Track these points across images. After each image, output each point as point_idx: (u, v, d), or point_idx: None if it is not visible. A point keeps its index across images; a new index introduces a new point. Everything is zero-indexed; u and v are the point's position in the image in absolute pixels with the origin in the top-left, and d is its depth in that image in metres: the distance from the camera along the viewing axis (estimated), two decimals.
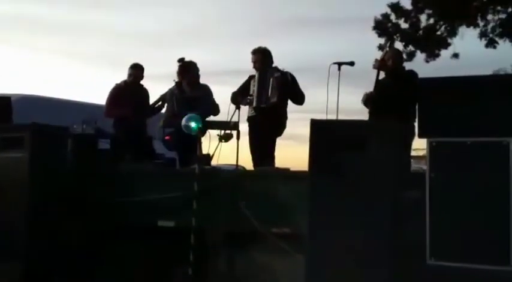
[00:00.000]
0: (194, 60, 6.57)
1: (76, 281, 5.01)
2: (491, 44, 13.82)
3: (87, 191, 5.31)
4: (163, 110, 6.71)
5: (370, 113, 5.65)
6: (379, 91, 5.64)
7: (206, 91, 6.53)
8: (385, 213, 3.79)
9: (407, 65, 7.12)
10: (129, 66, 6.83)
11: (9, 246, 4.91)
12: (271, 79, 6.00)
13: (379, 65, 5.70)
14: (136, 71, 6.81)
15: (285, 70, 6.11)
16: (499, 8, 13.67)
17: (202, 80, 6.59)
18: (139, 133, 6.67)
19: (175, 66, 6.54)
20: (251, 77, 6.28)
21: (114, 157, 6.29)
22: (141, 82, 6.89)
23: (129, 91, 6.75)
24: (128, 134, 6.55)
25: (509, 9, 13.64)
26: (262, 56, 6.22)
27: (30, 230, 4.94)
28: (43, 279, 4.92)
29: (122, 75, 6.92)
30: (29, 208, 4.96)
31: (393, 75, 5.74)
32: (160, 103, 6.71)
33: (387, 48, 6.28)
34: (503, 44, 13.70)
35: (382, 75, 5.78)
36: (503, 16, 13.74)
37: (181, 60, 6.52)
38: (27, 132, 5.06)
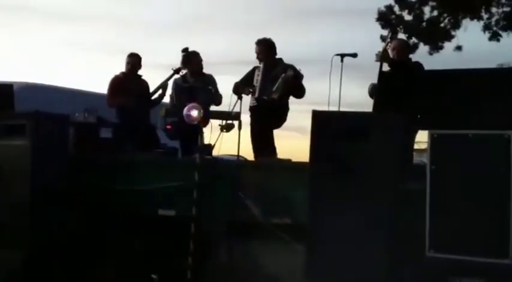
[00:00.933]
0: (199, 50, 6.57)
1: (76, 268, 5.02)
2: (495, 37, 13.72)
3: (88, 179, 5.32)
4: (165, 99, 6.71)
5: (375, 105, 5.61)
6: (383, 83, 5.59)
7: (209, 81, 6.52)
8: (385, 204, 3.80)
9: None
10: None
11: (11, 234, 4.93)
12: (282, 75, 5.95)
13: (381, 56, 5.65)
14: (133, 59, 6.78)
15: (297, 67, 5.99)
16: (503, 0, 13.59)
17: (208, 70, 6.60)
18: (142, 122, 6.67)
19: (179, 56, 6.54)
20: (255, 68, 6.26)
21: (115, 146, 6.30)
22: (141, 72, 6.88)
23: (129, 81, 6.73)
24: (131, 123, 6.55)
25: None
26: (265, 47, 6.20)
27: (31, 218, 4.95)
28: (43, 267, 4.94)
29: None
30: (30, 196, 4.97)
31: (396, 66, 5.68)
32: (161, 92, 6.69)
33: (389, 40, 6.23)
34: (507, 38, 13.64)
35: (386, 67, 5.73)
36: (507, 9, 13.65)
37: (185, 50, 6.51)
38: (29, 120, 5.05)
